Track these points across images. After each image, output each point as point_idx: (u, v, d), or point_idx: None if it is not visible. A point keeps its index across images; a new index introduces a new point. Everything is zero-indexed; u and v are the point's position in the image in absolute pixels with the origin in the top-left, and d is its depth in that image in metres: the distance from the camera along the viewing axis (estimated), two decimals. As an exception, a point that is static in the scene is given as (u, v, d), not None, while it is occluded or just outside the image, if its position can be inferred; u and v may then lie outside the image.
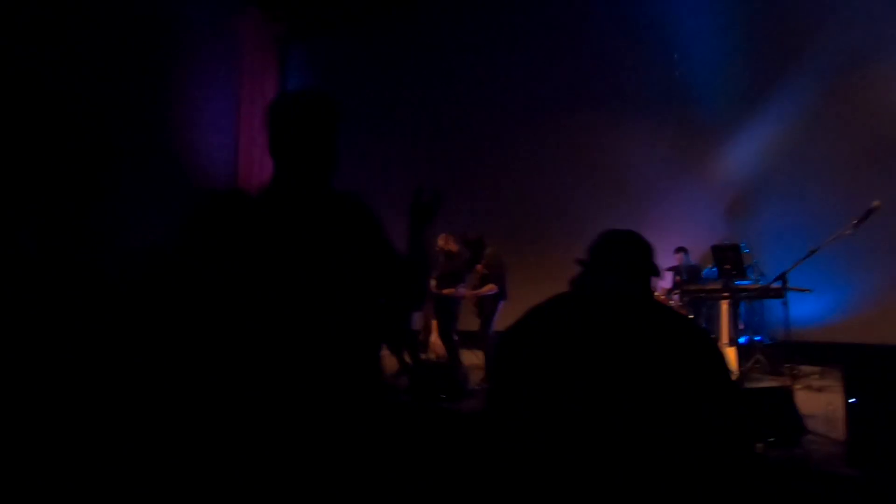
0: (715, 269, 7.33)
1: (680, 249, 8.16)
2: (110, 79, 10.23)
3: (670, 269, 8.06)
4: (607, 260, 1.84)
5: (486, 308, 6.87)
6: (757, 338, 7.00)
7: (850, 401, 3.82)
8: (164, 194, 10.86)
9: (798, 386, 5.76)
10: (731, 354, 6.35)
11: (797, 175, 7.76)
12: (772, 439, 4.00)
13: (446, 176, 10.98)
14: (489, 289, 6.75)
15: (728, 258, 5.32)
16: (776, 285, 5.05)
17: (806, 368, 7.02)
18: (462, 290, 6.89)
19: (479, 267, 6.85)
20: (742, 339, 6.72)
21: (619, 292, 1.76)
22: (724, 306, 5.74)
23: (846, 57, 7.49)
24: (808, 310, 7.04)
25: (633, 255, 1.85)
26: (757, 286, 5.52)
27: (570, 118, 9.73)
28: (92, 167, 9.86)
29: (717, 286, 5.51)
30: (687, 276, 7.64)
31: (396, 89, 11.76)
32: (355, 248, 1.75)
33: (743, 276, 5.49)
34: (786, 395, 4.36)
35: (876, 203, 4.85)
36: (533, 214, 9.95)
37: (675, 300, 7.13)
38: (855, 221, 4.89)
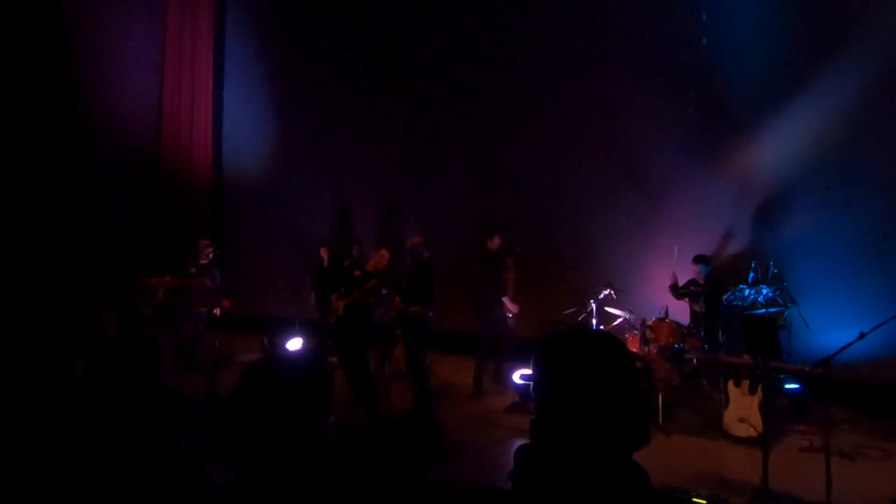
0: (743, 289, 6.30)
1: (700, 259, 6.89)
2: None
3: (683, 288, 6.91)
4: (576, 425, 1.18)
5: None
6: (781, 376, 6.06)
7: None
8: (84, 146, 9.55)
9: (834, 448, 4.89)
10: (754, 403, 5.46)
11: (840, 179, 6.69)
12: None
13: (432, 150, 9.68)
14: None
15: (761, 334, 4.24)
16: (817, 370, 4.06)
17: (837, 412, 6.14)
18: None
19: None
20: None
21: None
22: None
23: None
24: (843, 341, 6.09)
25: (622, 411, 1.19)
26: (793, 368, 4.56)
27: (575, 88, 8.41)
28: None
29: (745, 361, 4.49)
30: (705, 302, 6.47)
31: (371, 32, 10.21)
32: None
33: (778, 357, 4.48)
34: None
35: None
36: (531, 197, 8.71)
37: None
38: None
